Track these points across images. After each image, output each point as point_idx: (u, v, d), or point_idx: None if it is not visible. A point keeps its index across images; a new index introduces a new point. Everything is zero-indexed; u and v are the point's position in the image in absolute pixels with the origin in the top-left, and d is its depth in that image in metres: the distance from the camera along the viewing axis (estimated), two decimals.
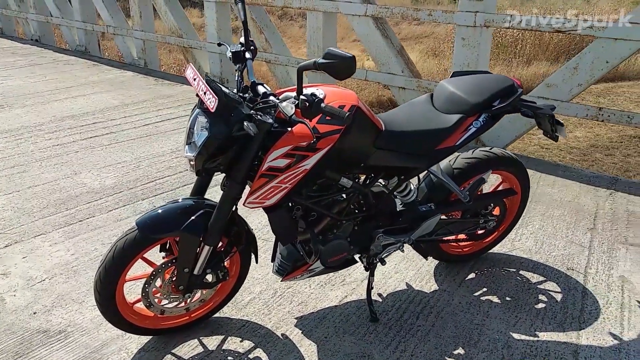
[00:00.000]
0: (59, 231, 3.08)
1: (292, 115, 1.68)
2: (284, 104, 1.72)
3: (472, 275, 2.68)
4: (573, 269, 2.72)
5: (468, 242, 2.70)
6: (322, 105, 1.66)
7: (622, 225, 3.18)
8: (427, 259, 2.70)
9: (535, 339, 2.23)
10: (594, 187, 3.75)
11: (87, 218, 3.23)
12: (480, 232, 2.64)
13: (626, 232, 3.10)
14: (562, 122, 2.31)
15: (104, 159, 4.20)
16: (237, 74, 2.02)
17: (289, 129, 1.84)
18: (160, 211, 1.97)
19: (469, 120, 2.20)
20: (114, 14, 8.14)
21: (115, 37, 8.28)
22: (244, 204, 1.95)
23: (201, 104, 1.82)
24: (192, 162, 1.87)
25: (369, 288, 2.37)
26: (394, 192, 2.31)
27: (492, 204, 2.59)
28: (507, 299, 2.49)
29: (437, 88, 2.36)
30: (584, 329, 2.28)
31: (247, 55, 2.04)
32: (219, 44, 2.28)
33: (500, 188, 2.66)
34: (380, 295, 2.51)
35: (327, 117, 1.81)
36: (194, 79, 1.81)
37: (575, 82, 3.98)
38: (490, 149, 2.52)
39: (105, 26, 8.32)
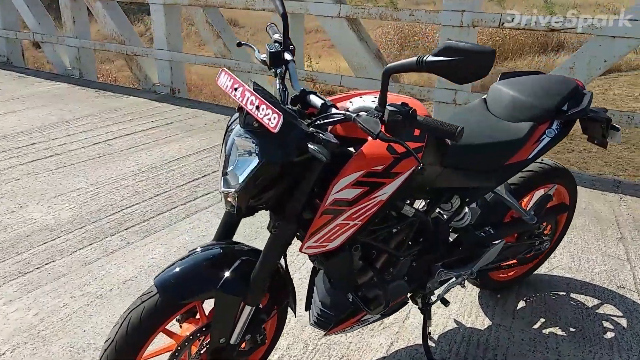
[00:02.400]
0: (12, 284, 2.45)
1: (380, 132, 1.25)
2: (364, 117, 1.29)
3: (522, 304, 2.35)
4: (624, 286, 2.47)
5: (515, 266, 2.38)
6: (420, 118, 1.25)
7: None
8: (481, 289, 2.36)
9: None
10: (601, 192, 3.58)
11: (46, 263, 2.62)
12: (531, 254, 2.32)
13: None
14: (618, 126, 2.04)
15: (53, 186, 3.54)
16: (277, 81, 1.57)
17: (351, 149, 1.42)
18: (184, 267, 1.47)
19: (541, 129, 1.88)
20: (41, 20, 7.27)
21: (44, 45, 7.41)
22: (301, 250, 1.50)
23: (244, 121, 1.36)
24: (231, 199, 1.40)
25: (426, 333, 1.98)
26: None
27: (546, 222, 2.29)
28: (572, 329, 2.18)
29: (492, 92, 2.02)
30: None
31: (287, 56, 1.60)
32: (239, 44, 1.81)
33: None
34: (429, 336, 2.13)
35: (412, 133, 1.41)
36: (235, 88, 1.34)
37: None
38: (542, 160, 2.21)
39: (31, 33, 7.42)
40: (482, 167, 1.81)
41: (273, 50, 1.57)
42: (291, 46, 1.62)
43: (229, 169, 1.40)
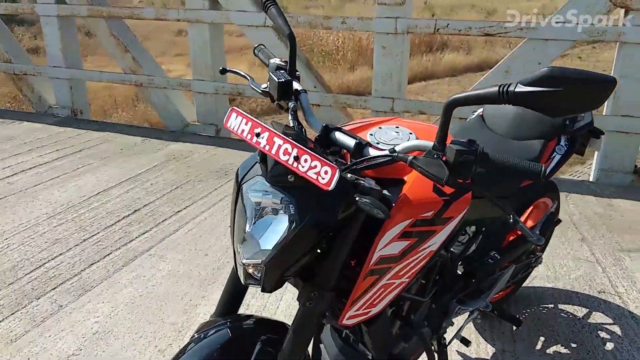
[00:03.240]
0: None
1: (448, 178, 1.01)
2: (423, 159, 1.05)
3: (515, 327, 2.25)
4: (604, 291, 2.47)
5: (509, 286, 2.26)
6: (492, 156, 1.03)
7: (604, 230, 3.07)
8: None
9: None
10: None
11: None
12: (527, 271, 2.22)
13: (613, 237, 2.98)
14: (601, 133, 1.99)
15: None
16: (290, 118, 1.28)
17: (386, 192, 1.19)
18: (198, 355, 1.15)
19: (551, 146, 1.76)
20: None
21: None
22: (341, 323, 1.23)
23: (272, 174, 1.07)
24: (253, 271, 1.10)
25: None
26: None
27: None
28: (573, 345, 2.11)
29: (490, 109, 1.87)
30: None
31: (297, 86, 1.33)
32: (224, 71, 1.50)
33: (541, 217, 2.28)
34: None
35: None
36: (257, 134, 1.05)
37: None
38: None
39: None
40: (504, 192, 1.65)
41: (283, 80, 1.28)
42: (297, 73, 1.35)
43: (248, 234, 1.10)
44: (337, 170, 0.97)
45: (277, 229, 1.07)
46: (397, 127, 1.34)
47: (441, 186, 1.05)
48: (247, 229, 1.10)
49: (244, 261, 1.10)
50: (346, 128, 1.37)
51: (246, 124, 1.08)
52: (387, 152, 1.12)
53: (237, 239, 1.13)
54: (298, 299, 1.19)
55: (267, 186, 1.08)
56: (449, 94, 9.73)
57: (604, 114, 3.76)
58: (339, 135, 1.22)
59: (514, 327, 2.19)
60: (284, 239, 1.05)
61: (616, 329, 2.21)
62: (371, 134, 1.31)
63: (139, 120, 7.92)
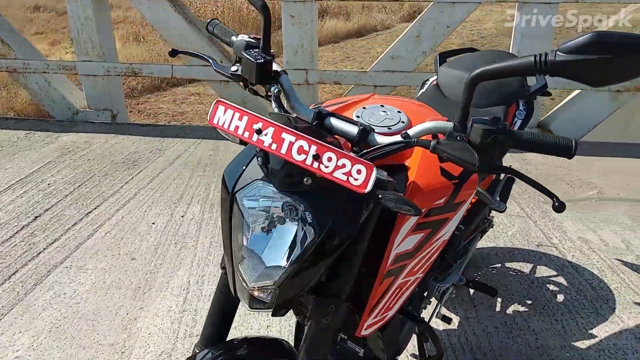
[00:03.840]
0: None
1: (479, 162, 0.89)
2: (446, 142, 0.91)
3: (472, 290, 2.27)
4: (541, 244, 2.58)
5: None
6: (521, 134, 0.92)
7: (525, 184, 3.21)
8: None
9: (597, 339, 1.97)
10: None
11: None
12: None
13: (535, 190, 3.12)
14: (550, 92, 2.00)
15: None
16: (274, 103, 1.08)
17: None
18: None
19: (512, 112, 1.72)
20: None
21: None
22: (359, 334, 1.08)
23: (282, 179, 0.88)
24: (260, 294, 0.92)
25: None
26: None
27: None
28: (529, 302, 2.17)
29: (444, 77, 1.79)
30: (616, 308, 2.12)
31: (276, 66, 1.12)
32: (173, 53, 1.24)
33: None
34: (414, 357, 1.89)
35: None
36: (258, 131, 0.86)
37: (419, 50, 3.87)
38: None
39: None
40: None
41: (262, 61, 1.07)
42: (272, 52, 1.14)
43: (248, 250, 0.91)
44: (374, 169, 0.81)
45: (284, 242, 0.89)
46: (382, 106, 1.20)
47: (471, 172, 0.93)
48: (246, 243, 0.91)
49: (251, 285, 0.91)
50: (324, 106, 1.21)
51: (240, 118, 0.88)
52: (399, 138, 0.98)
53: (236, 259, 0.94)
54: (310, 316, 1.02)
55: (271, 191, 0.90)
56: (334, 60, 9.86)
57: None
58: (335, 122, 1.05)
59: (469, 292, 2.21)
60: (300, 254, 0.88)
61: (561, 279, 2.31)
62: (357, 116, 1.15)
63: (4, 110, 6.96)
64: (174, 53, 1.27)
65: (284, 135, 0.84)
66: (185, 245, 2.57)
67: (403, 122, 1.14)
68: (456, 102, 1.70)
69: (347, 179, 0.81)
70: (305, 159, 0.83)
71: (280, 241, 0.89)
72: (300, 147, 0.83)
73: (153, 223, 2.77)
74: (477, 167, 0.88)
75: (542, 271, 2.37)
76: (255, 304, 0.94)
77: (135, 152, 3.78)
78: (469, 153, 0.89)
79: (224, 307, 1.14)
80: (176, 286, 2.26)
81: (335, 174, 0.82)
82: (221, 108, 0.92)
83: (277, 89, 1.09)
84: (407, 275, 1.10)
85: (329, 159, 0.82)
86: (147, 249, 2.54)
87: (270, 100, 1.13)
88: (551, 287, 2.27)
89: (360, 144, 1.01)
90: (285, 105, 1.12)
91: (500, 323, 2.05)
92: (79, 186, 3.20)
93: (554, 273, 2.36)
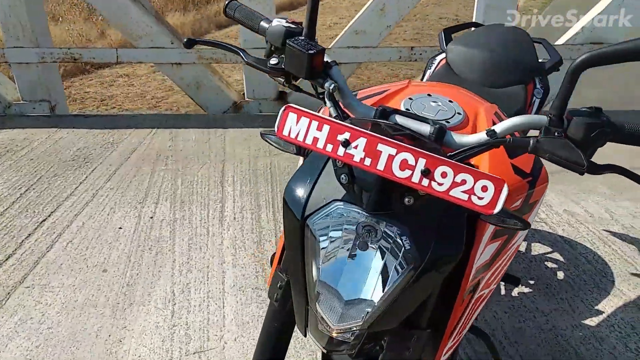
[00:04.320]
0: None
1: (587, 162, 0.76)
2: (547, 140, 0.78)
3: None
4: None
5: None
6: (625, 124, 0.80)
7: None
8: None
9: (604, 314, 1.96)
10: None
11: None
12: None
13: None
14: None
15: None
16: (328, 103, 0.90)
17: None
18: None
19: (530, 91, 1.62)
20: None
21: None
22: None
23: (377, 201, 0.73)
24: (338, 335, 0.77)
25: None
26: None
27: None
28: (531, 282, 2.13)
29: (455, 55, 1.65)
30: (615, 280, 2.13)
31: (326, 57, 0.94)
32: (189, 43, 1.04)
33: None
34: None
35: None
36: (345, 143, 0.72)
37: (383, 24, 3.72)
38: None
39: None
40: None
41: (314, 52, 0.88)
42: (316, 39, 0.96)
43: (326, 286, 0.75)
44: (505, 185, 0.66)
45: (375, 274, 0.74)
46: (429, 95, 1.05)
47: (579, 174, 0.80)
48: (324, 278, 0.75)
49: (335, 327, 0.75)
50: (361, 95, 1.05)
51: (320, 128, 0.71)
52: (482, 137, 0.84)
53: (311, 296, 0.78)
54: (389, 349, 0.88)
55: (356, 214, 0.74)
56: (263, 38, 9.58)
57: None
58: (403, 120, 0.88)
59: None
60: (397, 286, 0.73)
61: (557, 256, 2.29)
62: (407, 109, 1.00)
63: None
64: (189, 44, 1.06)
65: (380, 147, 0.68)
66: (161, 251, 2.34)
67: (459, 113, 1.01)
68: (471, 81, 1.59)
69: (469, 197, 0.67)
70: (411, 176, 0.68)
71: (370, 274, 0.74)
72: (404, 160, 0.68)
73: (120, 227, 2.51)
74: (586, 168, 0.76)
75: (538, 248, 2.35)
76: (335, 346, 0.79)
77: (84, 147, 3.44)
78: (574, 151, 0.76)
79: (277, 337, 0.98)
80: (160, 298, 2.05)
81: (452, 193, 0.67)
82: (292, 116, 0.74)
83: (332, 85, 0.91)
84: (483, 288, 0.98)
85: (443, 175, 0.67)
86: (118, 258, 2.30)
87: (322, 99, 0.95)
88: (549, 264, 2.24)
89: (438, 143, 0.86)
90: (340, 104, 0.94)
91: (508, 307, 2.00)
92: (26, 190, 2.86)
93: (549, 249, 2.33)
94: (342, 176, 0.76)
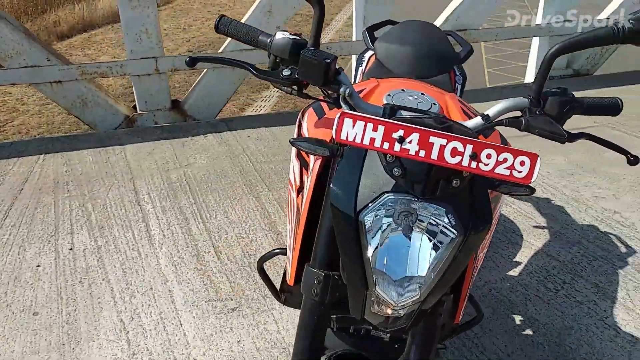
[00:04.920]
0: None
1: (565, 133, 0.94)
2: (537, 120, 0.94)
3: None
4: None
5: None
6: (586, 99, 0.99)
7: None
8: None
9: (522, 264, 2.26)
10: None
11: None
12: None
13: None
14: None
15: None
16: (344, 106, 0.96)
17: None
18: None
19: (452, 78, 1.79)
20: None
21: None
22: (457, 322, 1.06)
23: (426, 186, 0.81)
24: (401, 312, 0.86)
25: None
26: None
27: None
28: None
29: (384, 51, 1.77)
30: (523, 236, 2.45)
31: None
32: (192, 61, 1.02)
33: None
34: None
35: None
36: (400, 139, 0.79)
37: (272, 25, 3.79)
38: None
39: None
40: None
41: (329, 60, 0.93)
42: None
43: (380, 272, 0.83)
44: (538, 158, 0.78)
45: (426, 252, 0.83)
46: (404, 90, 1.16)
47: (561, 143, 0.96)
48: (380, 265, 0.83)
49: (399, 303, 0.83)
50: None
51: (375, 129, 0.78)
52: (477, 122, 0.96)
53: (370, 283, 0.85)
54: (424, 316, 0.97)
55: (408, 201, 0.82)
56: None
57: (355, 39, 4.09)
58: (408, 114, 0.98)
59: None
60: (445, 260, 0.83)
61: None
62: (387, 104, 1.10)
63: None
64: (192, 62, 1.04)
65: (432, 139, 0.77)
66: (94, 281, 2.20)
67: (435, 104, 1.13)
68: (403, 74, 1.73)
69: (511, 172, 0.78)
70: (461, 161, 0.77)
71: (423, 252, 0.83)
72: (454, 149, 0.77)
73: (38, 265, 2.30)
74: (566, 137, 0.92)
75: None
76: (391, 324, 0.87)
77: None
78: (554, 125, 0.92)
79: (316, 330, 1.02)
80: (109, 330, 1.94)
81: (496, 170, 0.78)
82: (348, 121, 0.80)
83: (347, 89, 0.97)
84: (483, 248, 1.11)
85: (488, 156, 0.78)
86: (47, 297, 2.11)
87: (333, 103, 1.01)
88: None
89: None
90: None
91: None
92: None
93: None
94: (395, 169, 0.83)
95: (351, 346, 1.37)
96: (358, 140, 0.80)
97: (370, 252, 0.84)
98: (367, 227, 0.84)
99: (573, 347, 1.84)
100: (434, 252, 0.83)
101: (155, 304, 2.06)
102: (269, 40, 1.01)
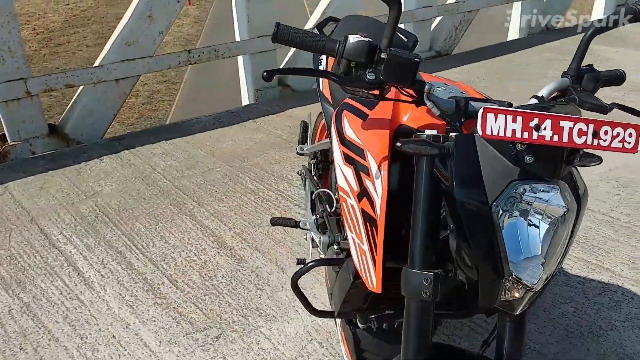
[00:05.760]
0: None
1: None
2: (584, 96, 1.05)
3: None
4: None
5: None
6: None
7: None
8: None
9: None
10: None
11: None
12: None
13: None
14: None
15: None
16: (429, 103, 0.95)
17: None
18: None
19: None
20: None
21: None
22: None
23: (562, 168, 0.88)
24: (522, 294, 0.92)
25: None
26: None
27: None
28: None
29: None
30: None
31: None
32: (269, 76, 0.93)
33: None
34: None
35: None
36: (535, 127, 0.83)
37: (155, 31, 3.53)
38: None
39: None
40: None
41: (418, 60, 0.93)
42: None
43: (516, 262, 0.88)
44: None
45: (550, 233, 0.89)
46: (446, 84, 1.19)
47: (604, 114, 1.07)
48: (514, 254, 0.87)
49: (535, 285, 0.89)
50: None
51: (514, 120, 0.81)
52: (534, 101, 1.03)
53: (505, 272, 0.89)
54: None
55: (538, 187, 0.87)
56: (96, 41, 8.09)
57: (238, 39, 4.00)
58: (477, 104, 1.00)
59: None
60: (572, 235, 0.90)
61: None
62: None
63: None
64: (270, 76, 0.92)
65: (562, 123, 0.82)
66: (39, 344, 1.88)
67: (462, 92, 1.18)
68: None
69: (623, 145, 0.85)
70: (586, 140, 0.83)
71: (548, 231, 0.88)
72: (580, 129, 0.82)
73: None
74: (607, 109, 1.05)
75: None
76: (521, 305, 0.93)
77: None
78: (596, 99, 1.06)
79: (426, 329, 1.01)
80: None
81: (612, 145, 0.85)
82: (490, 116, 0.81)
83: (429, 86, 0.96)
84: None
85: (605, 132, 0.84)
86: None
87: (417, 102, 0.99)
88: None
89: None
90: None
91: None
92: None
93: None
94: (527, 157, 0.86)
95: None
96: (502, 134, 0.82)
97: (506, 240, 0.87)
98: (500, 216, 0.86)
99: None
100: (555, 231, 0.89)
101: (127, 353, 1.84)
102: (339, 44, 0.96)
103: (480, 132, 0.83)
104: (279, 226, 1.97)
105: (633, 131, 0.87)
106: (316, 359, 1.79)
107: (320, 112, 2.26)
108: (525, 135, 0.82)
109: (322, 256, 1.77)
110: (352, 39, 0.97)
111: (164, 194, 2.84)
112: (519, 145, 0.85)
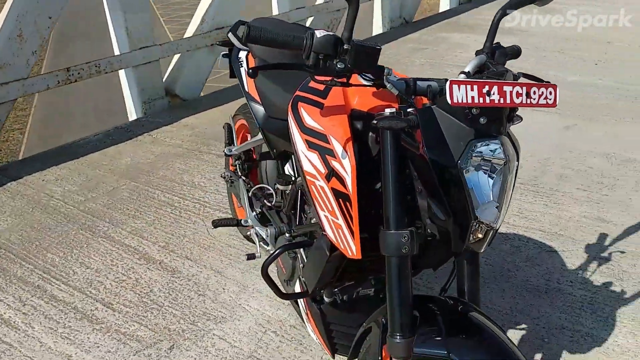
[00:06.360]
0: None
1: None
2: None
3: None
4: None
5: None
6: None
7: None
8: None
9: None
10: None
11: None
12: None
13: None
14: None
15: None
16: (388, 84, 1.09)
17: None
18: None
19: None
20: None
21: None
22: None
23: (492, 123, 1.03)
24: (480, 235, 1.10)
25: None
26: None
27: None
28: None
29: (260, 50, 1.85)
30: None
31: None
32: (254, 72, 0.98)
33: None
34: None
35: None
36: (486, 93, 1.00)
37: (28, 50, 3.27)
38: None
39: None
40: None
41: (379, 47, 1.05)
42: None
43: (483, 206, 1.05)
44: (557, 87, 1.07)
45: (505, 180, 1.07)
46: None
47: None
48: (480, 201, 1.05)
49: (495, 225, 1.07)
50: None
51: (472, 89, 0.96)
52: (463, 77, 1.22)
53: (471, 218, 1.05)
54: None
55: (491, 144, 1.05)
56: None
57: (118, 52, 3.85)
58: (421, 83, 1.16)
59: None
60: (510, 182, 1.09)
61: None
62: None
63: None
64: (254, 73, 0.97)
65: (505, 88, 0.99)
66: None
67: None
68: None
69: (547, 101, 1.06)
70: (522, 100, 1.01)
71: (502, 180, 1.06)
72: (517, 92, 1.01)
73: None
74: (519, 78, 1.27)
75: None
76: (485, 243, 1.10)
77: None
78: (509, 71, 1.27)
79: (408, 282, 1.14)
80: None
81: (540, 102, 1.05)
82: (455, 87, 0.96)
83: (388, 70, 1.09)
84: None
85: (534, 93, 1.03)
86: None
87: (378, 85, 1.11)
88: None
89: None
90: None
91: None
92: None
93: None
94: (481, 119, 1.02)
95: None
96: (464, 101, 0.97)
97: (473, 189, 1.04)
98: (466, 170, 1.03)
99: None
100: (513, 178, 1.09)
101: None
102: (306, 40, 1.06)
103: (449, 100, 0.99)
104: (222, 227, 2.02)
105: (552, 90, 1.09)
106: (275, 347, 1.87)
107: (237, 114, 2.32)
108: (481, 100, 1.00)
109: (269, 248, 1.85)
110: (319, 34, 1.07)
111: (71, 220, 2.68)
112: (474, 109, 1.03)
